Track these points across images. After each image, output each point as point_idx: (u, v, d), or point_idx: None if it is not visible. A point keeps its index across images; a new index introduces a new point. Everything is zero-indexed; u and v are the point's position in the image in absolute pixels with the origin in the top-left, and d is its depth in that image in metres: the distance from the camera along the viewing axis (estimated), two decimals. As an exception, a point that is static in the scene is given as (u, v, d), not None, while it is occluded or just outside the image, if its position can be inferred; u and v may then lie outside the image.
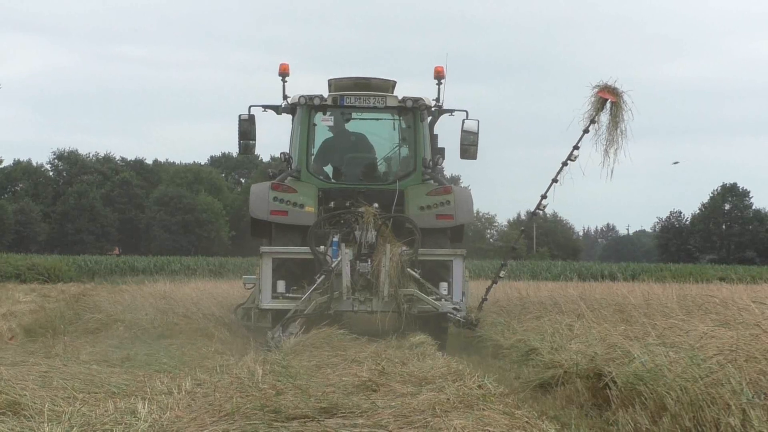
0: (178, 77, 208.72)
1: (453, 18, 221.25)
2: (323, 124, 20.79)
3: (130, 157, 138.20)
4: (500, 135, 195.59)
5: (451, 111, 21.07)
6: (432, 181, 20.26)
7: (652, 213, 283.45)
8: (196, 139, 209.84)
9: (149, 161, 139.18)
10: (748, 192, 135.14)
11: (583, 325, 15.96)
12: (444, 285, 18.92)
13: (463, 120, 20.75)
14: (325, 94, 20.59)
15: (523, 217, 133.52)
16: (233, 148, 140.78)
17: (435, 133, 21.50)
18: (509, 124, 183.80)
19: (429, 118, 20.93)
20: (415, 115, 20.34)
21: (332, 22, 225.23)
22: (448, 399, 10.70)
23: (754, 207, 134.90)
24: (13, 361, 13.61)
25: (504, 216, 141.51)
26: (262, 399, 10.66)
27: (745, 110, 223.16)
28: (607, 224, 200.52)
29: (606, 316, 16.89)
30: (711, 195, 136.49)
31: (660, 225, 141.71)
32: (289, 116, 21.44)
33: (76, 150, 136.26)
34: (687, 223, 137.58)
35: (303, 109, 20.36)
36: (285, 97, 21.06)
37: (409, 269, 18.57)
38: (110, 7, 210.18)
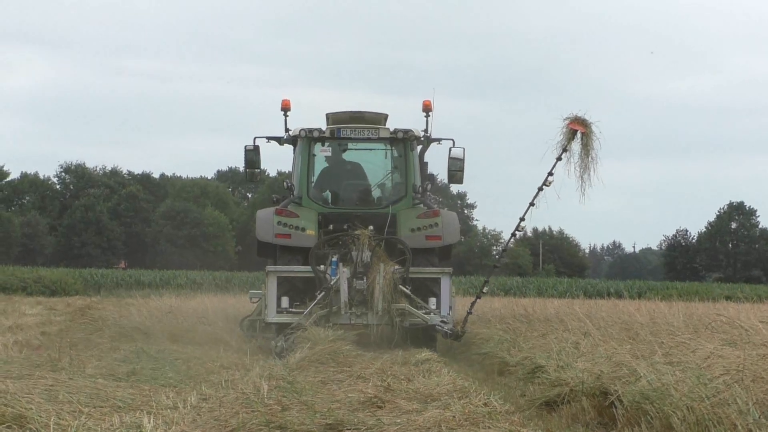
0: (185, 91, 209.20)
1: (459, 32, 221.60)
2: (322, 154, 22.56)
3: (137, 170, 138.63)
4: (507, 150, 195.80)
5: (438, 140, 22.79)
6: (421, 205, 22.08)
7: (659, 231, 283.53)
8: (203, 154, 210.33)
9: (156, 175, 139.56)
10: (755, 211, 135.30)
11: (589, 343, 15.94)
12: (433, 300, 20.47)
13: (450, 148, 22.58)
14: (323, 127, 22.39)
15: (529, 233, 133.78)
16: (240, 163, 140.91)
17: (425, 161, 23.17)
18: (516, 140, 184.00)
19: (419, 148, 22.65)
20: (406, 145, 22.15)
21: (337, 36, 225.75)
22: (454, 416, 10.69)
23: (760, 226, 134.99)
24: (19, 374, 13.59)
25: (510, 232, 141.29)
26: (267, 415, 10.65)
27: (754, 128, 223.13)
28: (614, 242, 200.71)
29: (612, 334, 16.87)
30: (717, 213, 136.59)
31: (666, 243, 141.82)
32: (291, 147, 23.14)
33: (83, 163, 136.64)
34: (693, 241, 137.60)
35: (303, 141, 22.16)
36: (287, 130, 22.78)
37: (401, 286, 20.30)
38: (117, 20, 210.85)
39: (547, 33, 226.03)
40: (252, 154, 22.94)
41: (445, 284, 20.43)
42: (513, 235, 22.01)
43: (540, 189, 20.35)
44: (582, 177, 19.99)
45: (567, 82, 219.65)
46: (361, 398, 12.13)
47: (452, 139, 22.61)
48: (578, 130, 20.05)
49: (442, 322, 19.98)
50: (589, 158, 19.96)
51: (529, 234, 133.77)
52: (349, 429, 10.37)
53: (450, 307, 20.40)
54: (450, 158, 22.50)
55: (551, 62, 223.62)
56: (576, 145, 20.11)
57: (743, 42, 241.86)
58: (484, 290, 21.95)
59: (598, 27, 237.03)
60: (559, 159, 20.17)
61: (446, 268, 20.83)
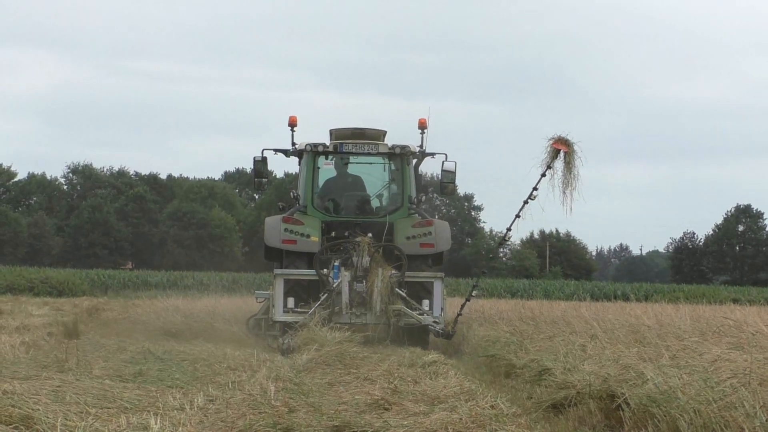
0: (192, 92, 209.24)
1: (466, 35, 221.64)
2: (325, 167, 24.33)
3: (145, 171, 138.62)
4: (514, 153, 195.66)
5: (432, 154, 24.38)
6: (416, 215, 23.63)
7: (666, 233, 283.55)
8: (210, 155, 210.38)
9: (163, 176, 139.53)
10: (762, 213, 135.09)
11: (596, 345, 15.92)
12: (426, 302, 22.16)
13: (443, 161, 24.40)
14: (327, 141, 24.06)
15: (536, 236, 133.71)
16: (247, 164, 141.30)
17: (420, 173, 25.08)
18: (524, 143, 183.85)
19: (414, 161, 24.19)
20: (402, 159, 23.84)
21: (345, 38, 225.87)
22: (461, 419, 10.69)
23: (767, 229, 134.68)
24: (26, 375, 13.61)
25: (517, 235, 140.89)
26: (274, 416, 10.66)
27: (762, 130, 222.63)
28: (621, 244, 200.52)
29: (619, 336, 16.84)
30: (725, 216, 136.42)
31: (673, 245, 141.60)
32: (297, 159, 24.67)
33: (91, 164, 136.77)
34: (700, 244, 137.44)
35: (308, 155, 23.87)
36: (293, 144, 24.35)
37: (397, 289, 21.91)
38: (125, 22, 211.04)
39: (556, 35, 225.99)
40: (260, 165, 24.55)
41: (438, 287, 22.14)
42: (500, 244, 25.68)
43: (525, 202, 22.03)
44: (564, 192, 21.60)
45: (576, 84, 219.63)
46: (368, 400, 12.14)
47: (445, 154, 24.39)
48: (561, 149, 21.63)
49: (435, 322, 21.67)
50: (572, 175, 21.55)
51: (536, 236, 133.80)
52: (356, 431, 10.38)
53: (442, 309, 22.15)
54: (443, 171, 24.32)
55: (560, 64, 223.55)
56: (559, 163, 21.69)
57: (753, 44, 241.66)
58: (474, 293, 23.53)
59: (607, 29, 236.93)
60: (543, 175, 21.79)
61: (438, 273, 22.59)
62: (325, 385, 14.25)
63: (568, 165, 21.57)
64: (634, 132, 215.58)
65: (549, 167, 21.72)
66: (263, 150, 24.42)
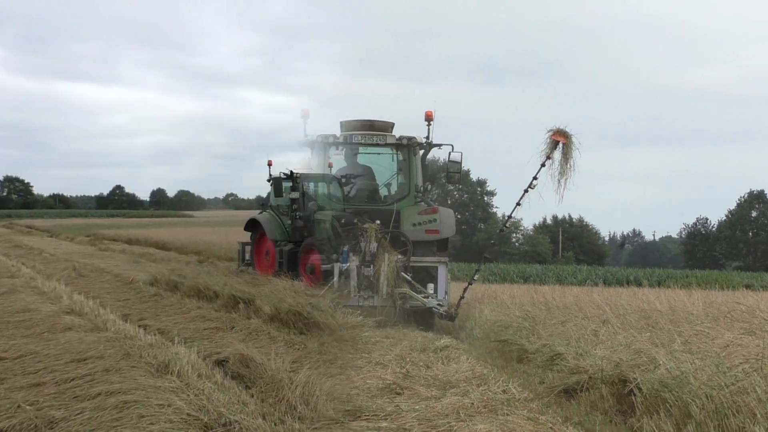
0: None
1: (478, 21, 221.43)
2: (336, 158, 25.50)
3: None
4: (527, 139, 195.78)
5: (439, 145, 25.24)
6: (423, 203, 24.89)
7: (679, 219, 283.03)
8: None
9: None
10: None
11: (608, 330, 15.91)
12: (431, 286, 22.73)
13: (449, 152, 25.11)
14: (338, 133, 25.21)
15: (549, 221, 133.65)
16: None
17: (432, 159, 25.20)
18: (537, 128, 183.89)
19: (421, 152, 25.31)
20: (410, 150, 25.02)
21: (356, 25, 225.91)
22: (473, 403, 10.72)
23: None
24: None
25: (530, 220, 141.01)
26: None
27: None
28: (633, 230, 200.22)
29: (631, 322, 16.83)
30: (738, 202, 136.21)
31: (686, 231, 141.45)
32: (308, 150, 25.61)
33: None
34: (713, 229, 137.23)
35: (320, 146, 25.08)
36: (306, 136, 25.44)
37: (403, 273, 22.78)
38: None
39: (569, 22, 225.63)
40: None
41: (442, 272, 22.82)
42: (501, 230, 25.53)
43: (525, 191, 22.67)
44: (560, 181, 22.40)
45: (590, 71, 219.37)
46: (380, 385, 12.17)
47: (451, 145, 25.09)
48: (560, 141, 22.49)
49: (438, 305, 22.27)
50: (568, 165, 22.35)
51: (549, 222, 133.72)
52: (368, 415, 10.41)
53: (446, 292, 22.80)
54: (449, 161, 25.06)
55: (575, 51, 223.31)
56: (557, 154, 22.53)
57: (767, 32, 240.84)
58: (475, 278, 24.20)
59: (620, 16, 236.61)
60: (542, 165, 22.52)
61: (443, 258, 23.27)
62: (337, 369, 14.27)
63: (565, 156, 22.47)
64: (648, 118, 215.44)
65: (548, 158, 22.58)
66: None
